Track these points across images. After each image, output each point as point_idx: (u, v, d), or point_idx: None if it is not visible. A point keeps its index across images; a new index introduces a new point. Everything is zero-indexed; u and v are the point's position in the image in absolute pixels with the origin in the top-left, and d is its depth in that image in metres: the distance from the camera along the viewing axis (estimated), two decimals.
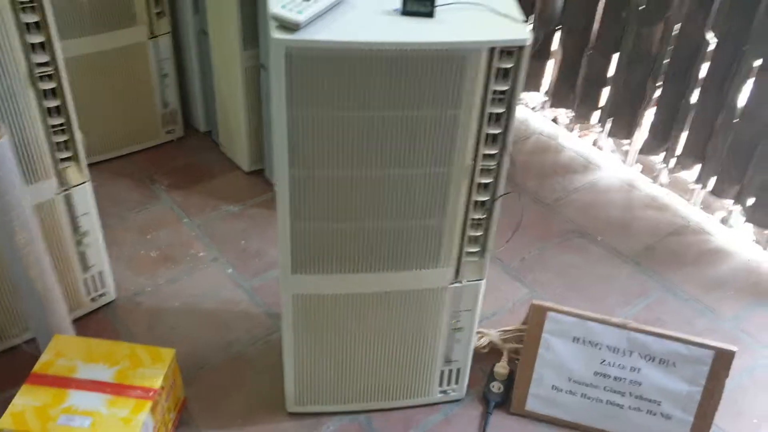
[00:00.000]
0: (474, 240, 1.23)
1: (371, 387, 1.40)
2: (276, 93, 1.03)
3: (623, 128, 2.05)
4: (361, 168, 1.10)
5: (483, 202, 1.19)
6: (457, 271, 1.27)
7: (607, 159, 2.13)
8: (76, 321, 1.54)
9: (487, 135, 1.11)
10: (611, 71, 2.03)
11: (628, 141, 2.07)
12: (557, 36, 2.11)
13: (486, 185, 1.17)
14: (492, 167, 1.15)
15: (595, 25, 1.99)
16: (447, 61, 1.02)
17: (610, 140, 2.13)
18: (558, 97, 2.19)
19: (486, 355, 1.54)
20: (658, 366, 1.36)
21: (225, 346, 1.55)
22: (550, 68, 2.18)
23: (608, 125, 2.08)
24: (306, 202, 1.13)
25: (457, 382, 1.44)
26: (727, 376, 1.34)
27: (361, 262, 1.21)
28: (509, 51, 1.04)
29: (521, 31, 1.03)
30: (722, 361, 1.33)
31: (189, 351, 1.52)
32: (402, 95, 1.04)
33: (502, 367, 1.49)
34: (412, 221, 1.17)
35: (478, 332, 1.54)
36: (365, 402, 1.42)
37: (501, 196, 1.18)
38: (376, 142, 1.08)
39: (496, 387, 1.47)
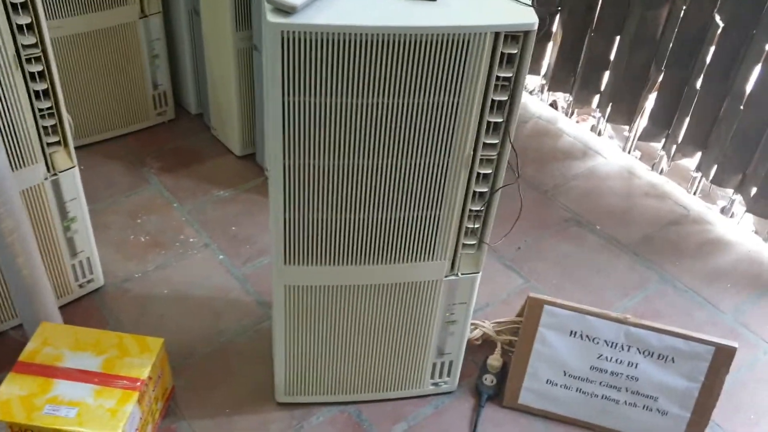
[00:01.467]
0: (471, 232, 1.20)
1: (362, 378, 1.37)
2: (270, 79, 0.99)
3: (623, 114, 2.02)
4: (358, 157, 1.06)
5: (482, 194, 1.15)
6: (453, 264, 1.23)
7: (607, 145, 2.09)
8: (64, 307, 1.51)
9: (489, 123, 1.07)
10: (613, 55, 1.98)
11: (628, 127, 2.04)
12: (558, 17, 2.07)
13: (486, 176, 1.13)
14: (492, 157, 1.11)
15: (598, 7, 1.94)
16: (449, 46, 0.97)
17: (610, 126, 2.10)
18: (557, 80, 2.14)
19: (479, 347, 1.51)
20: (657, 361, 1.33)
21: (215, 335, 1.52)
22: (550, 51, 2.14)
23: (608, 110, 2.04)
24: (300, 192, 1.09)
25: (449, 375, 1.41)
26: (727, 372, 1.31)
27: (355, 254, 1.18)
28: (515, 36, 1.00)
29: (528, 16, 0.99)
30: (722, 357, 1.31)
31: (178, 340, 1.49)
32: (402, 81, 1.00)
33: (495, 360, 1.46)
34: (408, 212, 1.14)
35: (472, 324, 1.51)
36: (356, 393, 1.39)
37: (501, 187, 1.15)
38: (374, 130, 1.04)
39: (489, 380, 1.44)
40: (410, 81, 1.00)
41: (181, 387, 1.42)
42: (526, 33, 0.99)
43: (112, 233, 1.71)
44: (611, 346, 1.35)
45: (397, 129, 1.04)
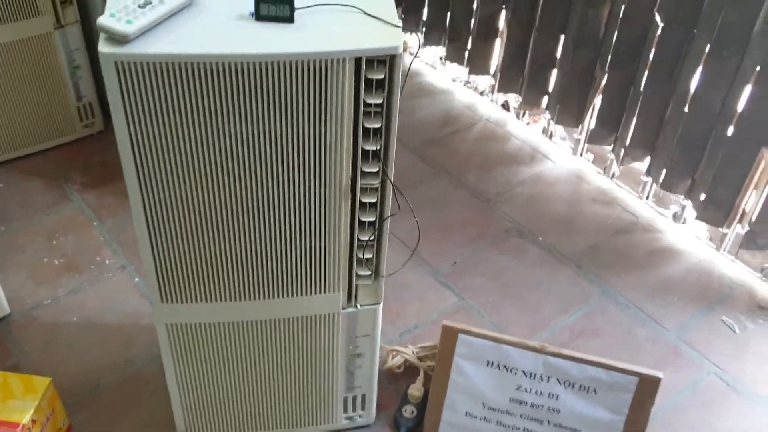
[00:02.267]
0: (366, 262, 1.11)
1: (269, 414, 1.29)
2: (113, 111, 0.90)
3: (572, 115, 1.92)
4: (223, 189, 0.98)
5: (372, 222, 1.06)
6: (350, 296, 1.15)
7: (557, 149, 1.99)
8: None
9: (365, 151, 0.98)
10: (559, 53, 1.89)
11: (577, 129, 1.94)
12: (503, 15, 1.97)
13: (373, 204, 1.04)
14: (375, 186, 1.02)
15: (540, 3, 1.84)
16: (306, 72, 0.89)
17: (560, 128, 2.00)
18: (506, 80, 2.05)
19: (402, 375, 1.43)
20: (578, 393, 1.25)
21: (122, 364, 1.44)
22: (499, 49, 2.04)
23: (557, 111, 1.94)
24: (166, 227, 1.01)
25: (363, 408, 1.33)
26: (652, 404, 1.23)
27: (239, 289, 1.10)
28: (381, 59, 0.91)
29: (393, 38, 0.90)
30: (647, 387, 1.22)
31: (83, 370, 1.41)
32: (259, 109, 0.91)
33: (416, 390, 1.38)
34: (290, 244, 1.05)
35: (392, 350, 1.43)
36: (264, 429, 1.31)
37: (388, 216, 1.06)
38: (238, 160, 0.95)
39: (409, 411, 1.36)
40: (269, 109, 0.91)
41: (82, 423, 1.34)
42: (392, 57, 0.90)
43: (26, 256, 1.63)
44: (530, 377, 1.26)
45: (262, 159, 0.96)
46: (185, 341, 1.15)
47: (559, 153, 1.98)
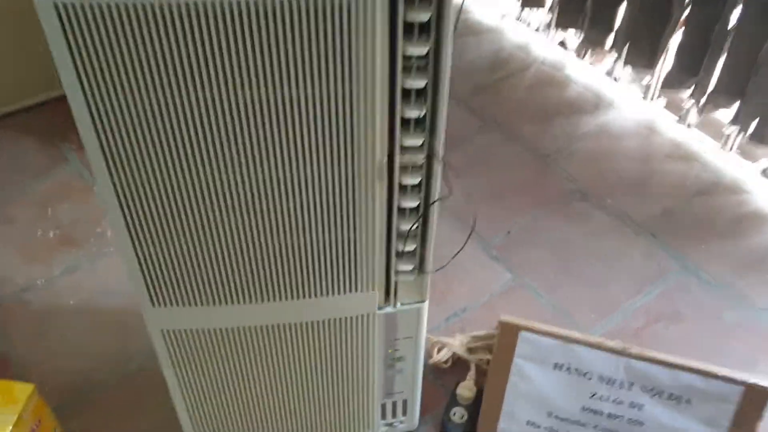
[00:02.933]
0: (408, 255, 0.88)
1: (295, 425, 1.09)
2: (63, 76, 0.67)
3: (643, 55, 1.65)
4: (218, 171, 0.75)
5: (414, 209, 0.83)
6: (387, 294, 0.92)
7: (624, 95, 1.73)
8: None
9: (405, 119, 0.74)
10: None
11: (650, 71, 1.67)
12: None
13: (415, 187, 0.81)
14: (419, 163, 0.79)
15: None
16: (321, 13, 0.65)
17: (628, 70, 1.73)
18: (565, 14, 1.78)
19: (450, 369, 1.21)
20: (667, 403, 1.02)
21: (123, 358, 1.24)
22: None
23: (625, 51, 1.67)
24: (151, 218, 0.79)
25: (404, 414, 1.12)
26: (760, 418, 1.00)
27: (248, 289, 0.88)
28: None
29: None
30: (754, 399, 0.99)
31: (78, 366, 1.22)
32: (260, 67, 0.67)
33: (466, 389, 1.16)
34: (311, 236, 0.83)
35: (437, 342, 1.21)
36: None
37: (435, 201, 0.82)
38: (234, 133, 0.72)
39: (459, 415, 1.15)
40: (275, 65, 0.67)
41: (75, 431, 1.15)
42: None
43: (16, 230, 1.43)
44: (608, 383, 1.04)
45: (270, 132, 0.72)
46: (187, 350, 0.94)
47: (626, 100, 1.71)
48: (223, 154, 0.73)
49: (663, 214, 1.47)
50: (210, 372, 0.98)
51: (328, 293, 0.89)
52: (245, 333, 0.93)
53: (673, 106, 1.68)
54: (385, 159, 0.77)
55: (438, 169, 0.79)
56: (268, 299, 0.88)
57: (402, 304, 0.94)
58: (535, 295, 1.33)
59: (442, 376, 1.21)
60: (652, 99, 1.70)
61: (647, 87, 1.69)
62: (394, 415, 1.11)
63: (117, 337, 1.27)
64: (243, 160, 0.74)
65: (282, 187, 0.77)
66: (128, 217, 0.78)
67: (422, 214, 0.83)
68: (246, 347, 0.95)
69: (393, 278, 0.90)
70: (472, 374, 1.19)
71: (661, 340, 1.25)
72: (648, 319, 1.30)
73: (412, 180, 0.80)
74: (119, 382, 1.21)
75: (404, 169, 0.79)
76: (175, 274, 0.84)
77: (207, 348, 0.94)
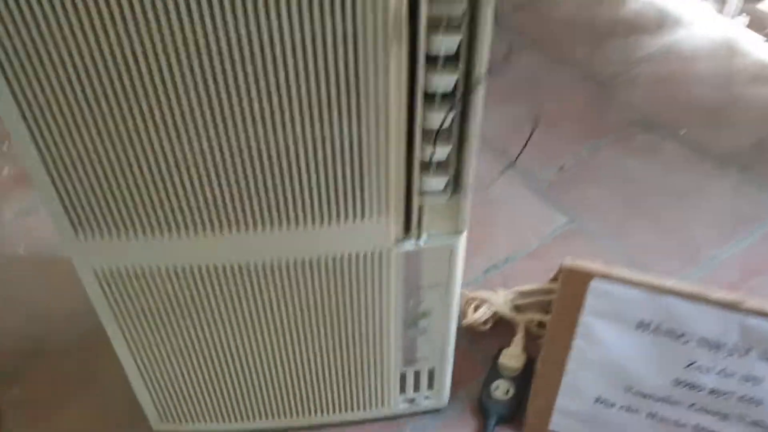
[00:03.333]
0: (438, 168, 0.62)
1: (288, 397, 0.83)
2: None
3: None
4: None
5: (449, 95, 0.56)
6: (408, 223, 0.66)
7: (696, 9, 1.45)
8: None
9: None
10: None
11: None
12: None
13: (450, 58, 0.54)
14: (456, 22, 0.52)
15: None
16: None
17: None
18: None
19: (489, 332, 0.95)
20: None
21: (78, 317, 0.99)
22: None
23: None
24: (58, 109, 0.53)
25: (431, 387, 0.85)
26: None
27: (213, 213, 0.62)
28: None
29: None
30: None
31: (25, 326, 0.98)
32: None
33: (512, 358, 0.90)
34: (292, 134, 0.56)
35: (474, 298, 0.95)
36: (283, 417, 0.86)
37: (482, 77, 0.55)
38: None
39: (502, 389, 0.89)
40: None
41: (14, 404, 0.91)
42: None
43: None
44: (713, 349, 0.76)
45: None
46: (134, 298, 0.68)
47: (698, 15, 1.43)
48: None
49: (751, 146, 1.19)
50: (170, 332, 0.72)
51: (323, 220, 0.63)
52: (213, 275, 0.67)
53: (756, 25, 1.40)
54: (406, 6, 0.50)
55: (486, 25, 0.52)
56: (241, 227, 0.62)
57: (429, 237, 0.67)
58: (596, 242, 1.07)
59: (480, 341, 0.95)
60: (732, 16, 1.42)
61: (723, 1, 1.41)
62: (416, 388, 0.85)
63: (71, 292, 1.00)
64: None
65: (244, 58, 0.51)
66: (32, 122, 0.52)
67: (463, 99, 0.56)
68: (216, 297, 0.69)
69: (416, 200, 0.64)
70: (519, 339, 0.92)
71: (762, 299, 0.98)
72: (743, 273, 1.03)
73: (446, 45, 0.53)
74: (72, 345, 0.97)
75: (433, 27, 0.52)
76: (106, 184, 0.59)
77: (161, 296, 0.68)
